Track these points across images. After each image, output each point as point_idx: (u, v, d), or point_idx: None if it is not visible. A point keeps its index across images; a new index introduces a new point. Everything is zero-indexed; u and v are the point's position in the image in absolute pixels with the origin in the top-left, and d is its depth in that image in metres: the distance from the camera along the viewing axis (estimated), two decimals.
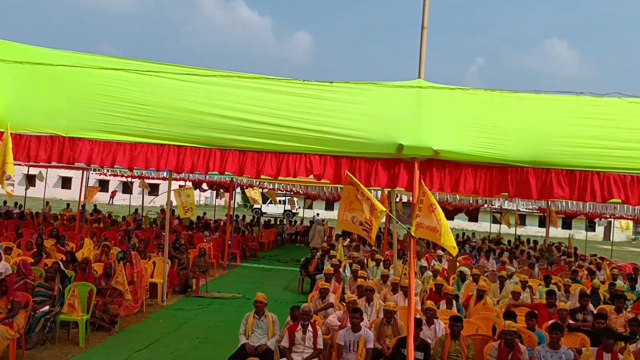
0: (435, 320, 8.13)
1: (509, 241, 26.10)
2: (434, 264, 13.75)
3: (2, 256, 10.60)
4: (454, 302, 9.68)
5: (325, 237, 23.23)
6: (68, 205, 29.19)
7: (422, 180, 5.60)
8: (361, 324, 7.51)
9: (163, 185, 39.70)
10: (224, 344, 9.37)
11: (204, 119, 5.83)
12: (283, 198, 37.16)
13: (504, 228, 31.13)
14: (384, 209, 5.38)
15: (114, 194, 53.97)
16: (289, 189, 29.33)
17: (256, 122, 5.81)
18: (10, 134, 5.72)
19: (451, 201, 23.54)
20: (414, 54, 6.44)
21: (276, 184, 24.14)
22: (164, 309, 11.90)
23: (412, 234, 5.56)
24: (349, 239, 19.53)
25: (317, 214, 43.86)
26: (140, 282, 11.31)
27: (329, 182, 6.45)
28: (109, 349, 9.01)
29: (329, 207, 54.32)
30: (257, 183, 22.95)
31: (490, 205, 26.71)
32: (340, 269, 12.78)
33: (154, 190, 34.58)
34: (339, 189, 22.50)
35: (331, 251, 16.00)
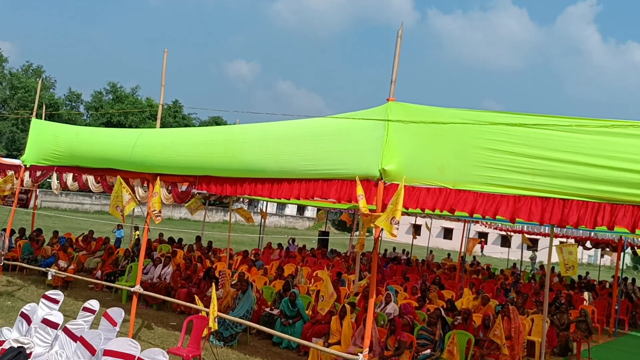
0: None
1: None
2: None
3: (392, 297, 11.67)
4: None
5: None
6: (449, 255, 30.60)
7: None
8: None
9: (542, 241, 38.52)
10: None
11: (593, 171, 5.50)
12: None
13: None
14: None
15: (482, 245, 53.71)
16: None
17: None
18: (404, 186, 6.34)
19: None
20: None
21: None
22: None
23: None
24: None
25: None
26: (517, 338, 11.05)
27: None
28: None
29: None
30: None
31: None
32: None
33: (533, 245, 33.76)
34: None
35: None
